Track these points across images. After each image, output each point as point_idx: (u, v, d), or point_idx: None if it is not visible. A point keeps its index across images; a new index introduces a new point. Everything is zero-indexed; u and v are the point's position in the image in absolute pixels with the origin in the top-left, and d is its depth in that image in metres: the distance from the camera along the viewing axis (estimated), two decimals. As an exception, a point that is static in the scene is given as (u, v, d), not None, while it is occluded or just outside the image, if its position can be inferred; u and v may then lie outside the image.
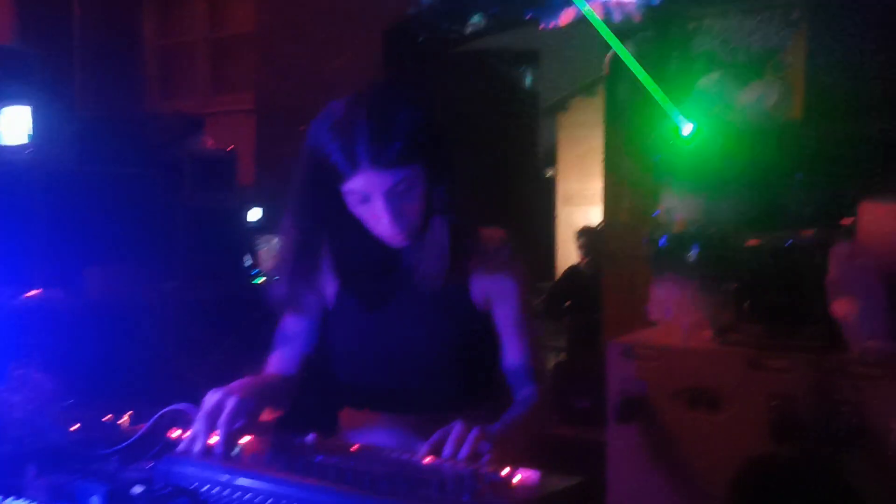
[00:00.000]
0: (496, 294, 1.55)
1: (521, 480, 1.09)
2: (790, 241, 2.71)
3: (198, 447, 1.26)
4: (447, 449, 1.21)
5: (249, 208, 4.69)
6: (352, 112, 1.40)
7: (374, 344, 1.59)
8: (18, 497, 1.14)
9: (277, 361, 1.64)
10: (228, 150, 4.57)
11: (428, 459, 1.19)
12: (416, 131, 1.40)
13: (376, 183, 1.38)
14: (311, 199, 1.47)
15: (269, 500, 1.08)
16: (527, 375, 1.54)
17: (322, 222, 1.50)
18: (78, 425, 1.43)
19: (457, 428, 1.23)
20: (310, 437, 1.29)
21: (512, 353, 1.56)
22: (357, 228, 1.48)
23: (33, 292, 3.07)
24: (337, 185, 1.41)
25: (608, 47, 3.27)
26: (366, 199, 1.41)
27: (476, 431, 1.22)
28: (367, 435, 1.60)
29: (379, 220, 1.42)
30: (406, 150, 1.38)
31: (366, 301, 1.59)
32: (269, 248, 4.62)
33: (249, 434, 1.31)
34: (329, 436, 1.64)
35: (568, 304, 5.30)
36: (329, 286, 1.62)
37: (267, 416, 1.50)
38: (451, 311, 1.54)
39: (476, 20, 4.29)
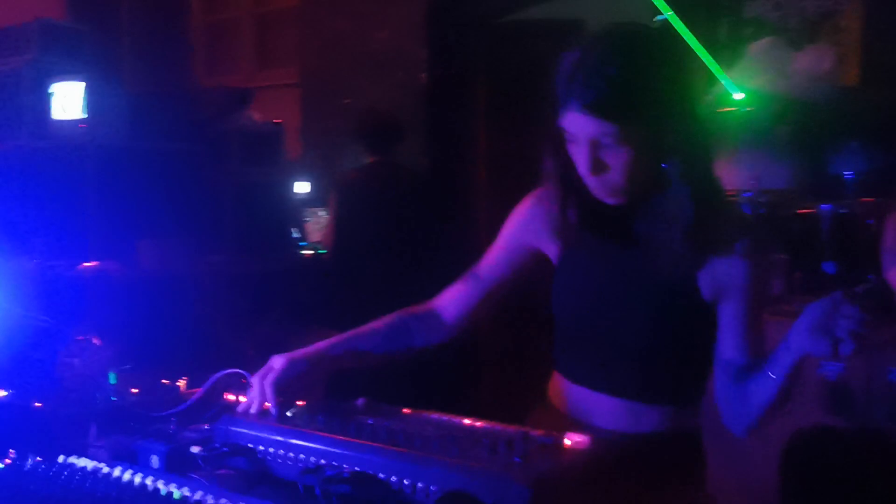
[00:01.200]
0: (726, 286, 1.37)
1: (571, 443, 1.09)
2: (845, 208, 2.65)
3: (254, 409, 1.29)
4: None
5: (296, 181, 4.73)
6: (588, 47, 1.29)
7: (588, 310, 1.46)
8: (81, 456, 1.18)
9: (453, 296, 1.55)
10: (275, 123, 4.61)
11: None
12: (641, 83, 1.26)
13: (582, 126, 1.28)
14: (548, 129, 1.36)
15: (322, 460, 1.10)
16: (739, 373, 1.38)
17: (554, 156, 1.39)
18: (137, 389, 1.47)
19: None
20: (360, 401, 1.31)
21: (727, 349, 1.39)
22: (576, 176, 1.36)
23: (89, 263, 3.14)
24: (556, 119, 1.32)
25: (658, 12, 3.21)
26: (574, 141, 1.32)
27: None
28: (568, 407, 1.50)
29: (582, 168, 1.32)
30: (620, 101, 1.24)
31: (589, 258, 1.46)
32: (316, 220, 4.67)
33: (302, 394, 1.34)
34: (539, 401, 1.57)
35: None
36: (556, 243, 1.51)
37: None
38: (669, 291, 1.39)
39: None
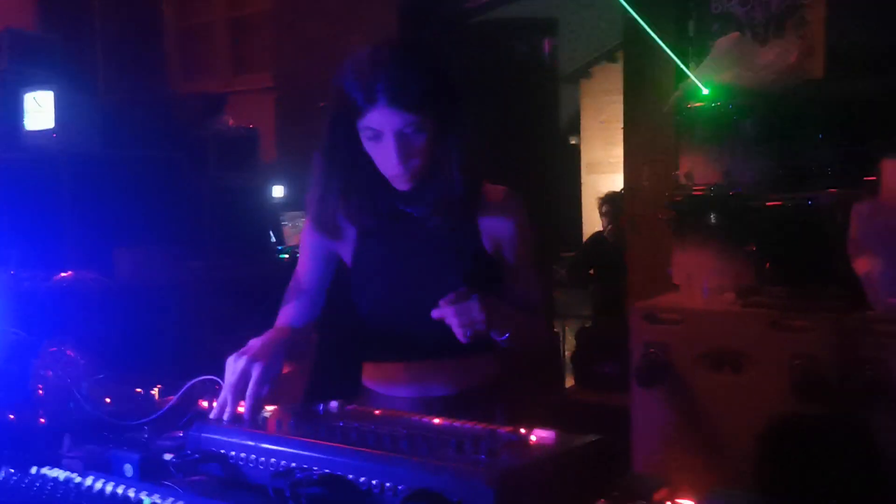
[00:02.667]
0: (502, 236, 1.65)
1: (537, 439, 1.11)
2: (812, 200, 2.69)
3: (227, 415, 1.31)
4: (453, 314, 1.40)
5: (273, 186, 4.73)
6: (377, 54, 1.50)
7: (390, 292, 1.66)
8: (55, 467, 1.19)
9: (291, 313, 1.71)
10: (250, 128, 4.61)
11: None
12: (433, 80, 1.50)
13: (389, 121, 1.48)
14: (334, 136, 1.57)
15: (294, 463, 1.11)
16: (518, 303, 1.63)
17: (341, 159, 1.58)
18: (110, 399, 1.48)
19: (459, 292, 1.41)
20: (333, 404, 1.32)
21: (507, 287, 1.65)
22: (370, 169, 1.57)
23: (64, 274, 3.14)
24: (354, 120, 1.51)
25: (625, 11, 3.24)
26: (377, 137, 1.50)
27: (474, 300, 1.40)
28: (388, 387, 1.70)
29: (387, 158, 1.51)
30: (422, 95, 1.47)
31: (381, 248, 1.67)
32: (293, 224, 4.67)
33: (274, 396, 1.35)
34: (353, 393, 1.71)
35: (592, 271, 5.30)
36: (347, 240, 1.69)
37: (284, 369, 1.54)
38: (462, 254, 1.63)
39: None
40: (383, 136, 1.50)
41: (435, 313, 1.42)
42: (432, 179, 1.57)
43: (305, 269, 1.74)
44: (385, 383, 1.71)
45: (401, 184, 1.56)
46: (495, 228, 1.65)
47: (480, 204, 1.63)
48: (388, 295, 1.66)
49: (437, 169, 1.56)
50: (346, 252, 1.71)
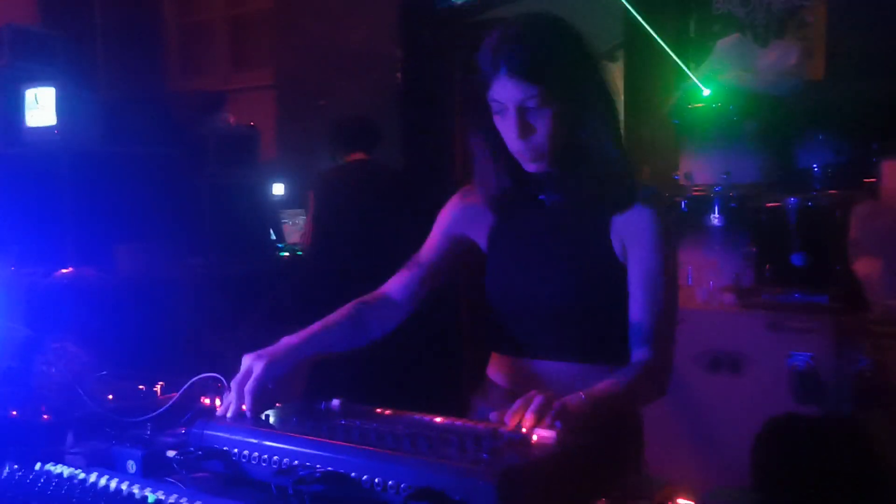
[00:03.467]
0: (632, 241, 1.50)
1: (539, 438, 1.12)
2: (812, 201, 2.70)
3: (231, 413, 1.31)
4: (524, 420, 1.19)
5: (272, 183, 4.74)
6: (508, 26, 1.46)
7: (513, 284, 1.59)
8: (58, 463, 1.20)
9: (399, 281, 1.66)
10: (250, 126, 4.61)
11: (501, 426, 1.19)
12: (557, 53, 1.44)
13: (510, 91, 1.43)
14: (472, 113, 1.53)
15: (296, 461, 1.12)
16: (645, 336, 1.46)
17: (481, 137, 1.53)
18: (113, 395, 1.48)
19: (536, 401, 1.20)
20: (334, 402, 1.33)
21: (635, 308, 1.48)
22: (504, 150, 1.51)
23: (65, 270, 3.14)
24: (485, 95, 1.47)
25: (627, 12, 3.25)
26: (502, 110, 1.46)
27: (552, 411, 1.19)
28: (507, 382, 1.62)
29: (509, 132, 1.46)
30: (542, 66, 1.41)
31: (511, 236, 1.61)
32: (293, 222, 4.67)
33: (280, 394, 1.36)
34: (478, 382, 1.67)
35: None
36: (483, 227, 1.65)
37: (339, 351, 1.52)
38: (584, 258, 1.53)
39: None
40: (506, 109, 1.45)
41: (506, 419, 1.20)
42: (568, 165, 1.49)
43: (431, 244, 1.67)
44: (505, 377, 1.64)
45: (527, 163, 1.49)
46: (626, 233, 1.50)
47: (618, 200, 1.50)
48: (511, 286, 1.59)
49: (569, 153, 1.48)
50: (481, 235, 1.65)
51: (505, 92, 1.43)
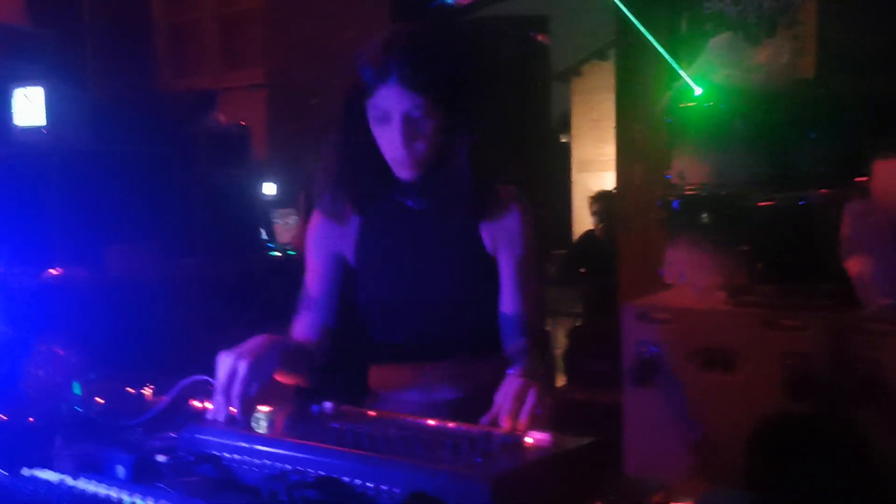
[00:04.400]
0: (502, 239, 1.59)
1: (533, 441, 1.11)
2: (804, 200, 2.70)
3: (220, 416, 1.30)
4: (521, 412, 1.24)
5: (264, 183, 4.72)
6: (395, 34, 1.49)
7: (388, 289, 1.63)
8: (46, 468, 1.18)
9: (301, 326, 1.66)
10: (241, 125, 4.59)
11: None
12: (447, 66, 1.48)
13: (398, 100, 1.46)
14: (344, 116, 1.55)
15: (289, 465, 1.11)
16: (518, 327, 1.56)
17: (349, 141, 1.56)
18: (102, 399, 1.47)
19: (529, 400, 1.25)
20: (327, 405, 1.32)
21: (506, 302, 1.58)
22: (374, 154, 1.54)
23: (54, 271, 3.12)
24: (364, 100, 1.49)
25: (619, 10, 3.24)
26: (385, 118, 1.48)
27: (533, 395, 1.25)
28: (395, 390, 1.65)
29: (392, 140, 1.49)
30: (433, 78, 1.45)
31: (381, 243, 1.63)
32: (285, 222, 4.65)
33: (266, 395, 1.34)
34: (361, 398, 1.68)
35: (583, 269, 5.31)
36: (350, 235, 1.65)
37: (286, 380, 1.53)
38: (462, 254, 1.59)
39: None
40: (391, 117, 1.47)
41: (498, 420, 1.26)
42: (436, 172, 1.54)
43: (313, 276, 1.68)
44: (390, 387, 1.67)
45: (403, 171, 1.53)
46: (496, 232, 1.60)
47: (486, 205, 1.58)
48: (386, 293, 1.63)
49: (443, 162, 1.53)
50: (349, 248, 1.67)
51: (390, 101, 1.46)
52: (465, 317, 1.59)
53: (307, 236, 1.71)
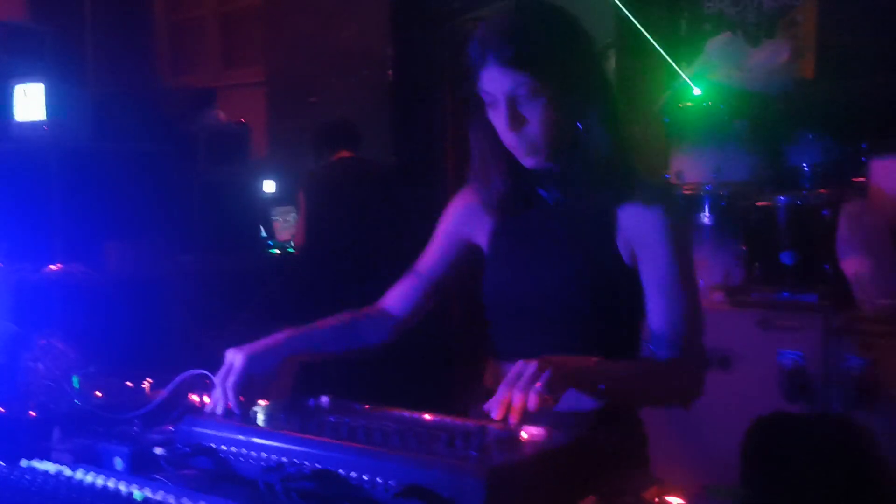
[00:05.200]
0: (641, 242, 1.43)
1: (528, 436, 1.12)
2: (801, 200, 2.71)
3: (219, 409, 1.31)
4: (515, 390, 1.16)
5: (263, 180, 4.73)
6: (492, 16, 1.42)
7: (516, 287, 1.52)
8: (44, 460, 1.19)
9: (395, 294, 1.61)
10: (241, 122, 4.60)
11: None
12: (548, 39, 1.37)
13: (499, 82, 1.37)
14: (468, 109, 1.47)
15: (284, 458, 1.12)
16: (670, 342, 1.39)
17: (476, 133, 1.48)
18: (100, 392, 1.48)
19: (519, 385, 1.17)
20: (323, 399, 1.32)
21: (654, 316, 1.41)
22: (499, 145, 1.45)
23: (53, 266, 3.13)
24: (477, 90, 1.41)
25: (618, 9, 3.25)
26: (494, 103, 1.40)
27: (542, 380, 1.16)
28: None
29: (501, 126, 1.40)
30: (531, 52, 1.35)
31: (514, 237, 1.54)
32: (284, 219, 4.66)
33: (264, 391, 1.35)
34: (475, 388, 1.60)
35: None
36: (486, 230, 1.58)
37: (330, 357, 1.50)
38: (589, 253, 1.45)
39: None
40: (497, 101, 1.39)
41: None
42: (562, 158, 1.42)
43: (431, 252, 1.61)
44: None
45: (524, 158, 1.42)
46: (634, 233, 1.43)
47: (624, 194, 1.43)
48: (509, 288, 1.52)
49: (567, 146, 1.41)
50: (484, 239, 1.58)
51: (494, 83, 1.37)
52: (578, 325, 1.45)
53: (446, 210, 1.64)
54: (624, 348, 1.48)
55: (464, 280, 1.64)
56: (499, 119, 1.40)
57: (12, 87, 3.64)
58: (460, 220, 1.61)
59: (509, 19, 1.39)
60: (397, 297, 1.62)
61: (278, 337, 1.43)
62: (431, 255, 1.62)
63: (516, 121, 1.38)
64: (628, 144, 1.46)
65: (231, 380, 1.32)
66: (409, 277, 1.62)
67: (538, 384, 1.16)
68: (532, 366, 1.19)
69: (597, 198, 1.44)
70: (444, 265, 1.61)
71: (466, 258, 1.61)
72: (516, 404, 1.16)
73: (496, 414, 1.17)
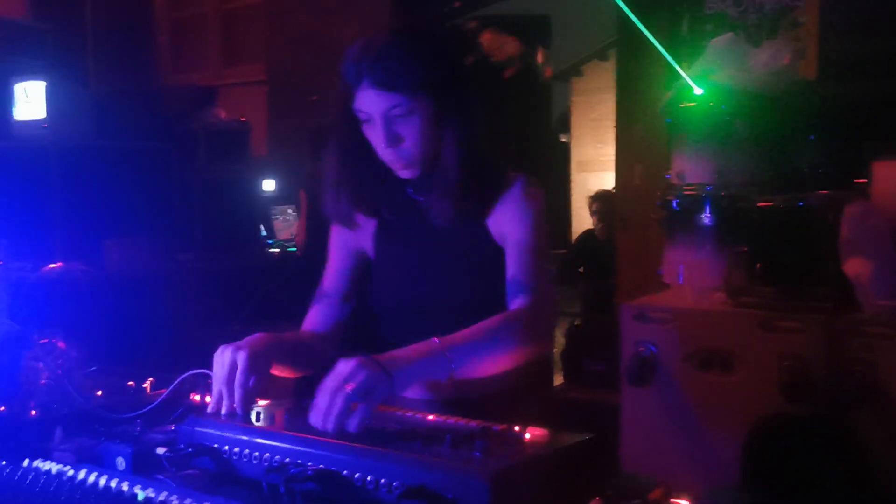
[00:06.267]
0: (506, 223, 1.55)
1: (532, 437, 1.12)
2: (803, 201, 2.70)
3: (224, 409, 1.29)
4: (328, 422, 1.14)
5: (263, 179, 4.72)
6: (369, 38, 1.49)
7: (399, 288, 1.61)
8: (46, 459, 1.18)
9: (312, 318, 1.66)
10: (241, 121, 4.60)
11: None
12: (421, 61, 1.46)
13: (374, 103, 1.46)
14: (337, 123, 1.55)
15: (288, 459, 1.11)
16: (520, 286, 1.50)
17: (346, 146, 1.55)
18: (102, 391, 1.47)
19: (335, 399, 1.15)
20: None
21: (510, 269, 1.52)
22: (375, 157, 1.53)
23: (54, 265, 3.12)
24: (350, 105, 1.49)
25: (619, 10, 3.25)
26: (369, 120, 1.48)
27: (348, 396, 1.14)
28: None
29: (378, 143, 1.49)
30: (406, 76, 1.44)
31: (396, 241, 1.62)
32: (284, 218, 4.66)
33: (265, 388, 1.35)
34: None
35: (582, 269, 5.32)
36: (368, 233, 1.66)
37: (286, 374, 1.53)
38: (468, 249, 1.56)
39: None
40: (373, 119, 1.48)
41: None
42: (432, 168, 1.53)
43: (331, 270, 1.69)
44: None
45: (401, 171, 1.53)
46: (502, 220, 1.56)
47: (491, 196, 1.55)
48: (398, 292, 1.62)
49: (435, 157, 1.52)
50: (368, 245, 1.67)
51: (369, 102, 1.46)
52: (466, 314, 1.51)
53: (331, 229, 1.70)
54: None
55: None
56: (375, 136, 1.48)
57: (13, 86, 3.64)
58: (347, 231, 1.67)
59: (385, 42, 1.46)
60: (316, 322, 1.66)
61: (265, 336, 1.42)
62: (332, 273, 1.69)
63: (394, 139, 1.47)
64: (491, 145, 1.57)
65: (239, 378, 1.31)
66: (319, 301, 1.67)
67: (349, 386, 1.15)
68: (347, 368, 1.18)
69: (457, 202, 1.52)
70: (345, 278, 1.68)
71: (363, 265, 1.69)
72: (333, 410, 1.14)
73: (314, 421, 1.15)
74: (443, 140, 1.50)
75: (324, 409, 1.14)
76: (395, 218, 1.62)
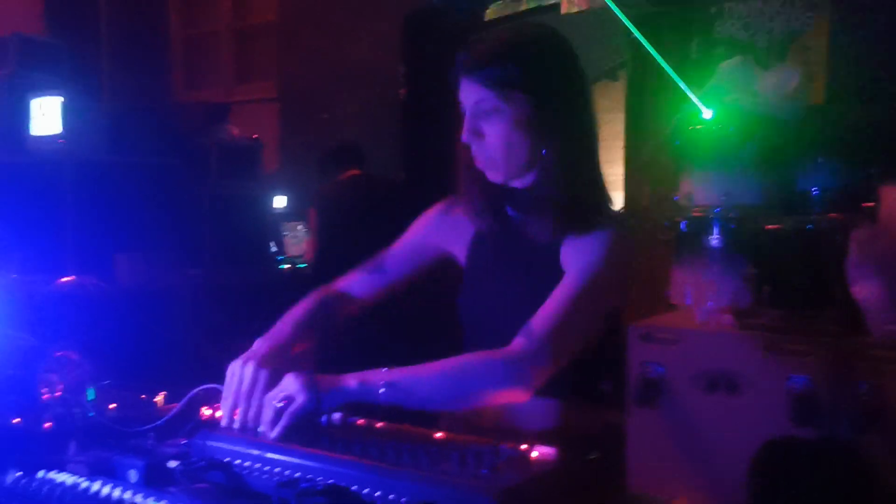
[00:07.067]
0: (575, 261, 1.44)
1: (539, 455, 1.13)
2: (811, 224, 2.71)
3: (240, 423, 1.31)
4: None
5: (274, 195, 4.75)
6: (490, 31, 1.48)
7: (483, 301, 1.56)
8: (60, 471, 1.20)
9: (357, 280, 1.64)
10: (253, 138, 4.64)
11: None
12: (519, 59, 1.41)
13: (466, 94, 1.44)
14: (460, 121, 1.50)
15: (298, 474, 1.13)
16: (526, 328, 1.38)
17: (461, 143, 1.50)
18: (115, 404, 1.49)
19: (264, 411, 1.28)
20: (336, 415, 1.34)
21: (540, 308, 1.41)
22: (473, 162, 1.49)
23: (67, 278, 3.14)
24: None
25: (629, 31, 3.28)
26: (463, 113, 1.45)
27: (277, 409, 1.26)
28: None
29: (464, 133, 1.45)
30: (500, 70, 1.40)
31: (485, 252, 1.57)
32: (294, 234, 4.69)
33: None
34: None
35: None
36: (463, 242, 1.62)
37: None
38: (535, 274, 1.49)
39: (496, 5, 4.30)
40: (465, 111, 1.45)
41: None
42: (525, 179, 1.47)
43: (399, 252, 1.65)
44: None
45: (487, 172, 1.47)
46: (575, 251, 1.45)
47: (572, 220, 1.45)
48: (477, 303, 1.56)
49: (530, 169, 1.46)
50: (462, 250, 1.62)
51: (462, 93, 1.44)
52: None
53: (420, 218, 1.67)
54: (568, 371, 1.48)
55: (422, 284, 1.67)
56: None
57: (28, 101, 3.69)
58: (437, 227, 1.64)
59: (493, 36, 1.45)
60: (357, 285, 1.65)
61: (274, 348, 1.46)
62: (398, 255, 1.65)
63: (473, 133, 1.43)
64: (590, 178, 1.48)
65: (259, 395, 1.32)
66: (371, 269, 1.65)
67: (283, 402, 1.26)
68: (288, 384, 1.28)
69: (544, 218, 1.46)
70: (409, 267, 1.64)
71: (432, 265, 1.65)
72: (264, 419, 1.26)
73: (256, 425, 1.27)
74: (543, 152, 1.45)
75: (260, 417, 1.27)
76: (491, 228, 1.55)
